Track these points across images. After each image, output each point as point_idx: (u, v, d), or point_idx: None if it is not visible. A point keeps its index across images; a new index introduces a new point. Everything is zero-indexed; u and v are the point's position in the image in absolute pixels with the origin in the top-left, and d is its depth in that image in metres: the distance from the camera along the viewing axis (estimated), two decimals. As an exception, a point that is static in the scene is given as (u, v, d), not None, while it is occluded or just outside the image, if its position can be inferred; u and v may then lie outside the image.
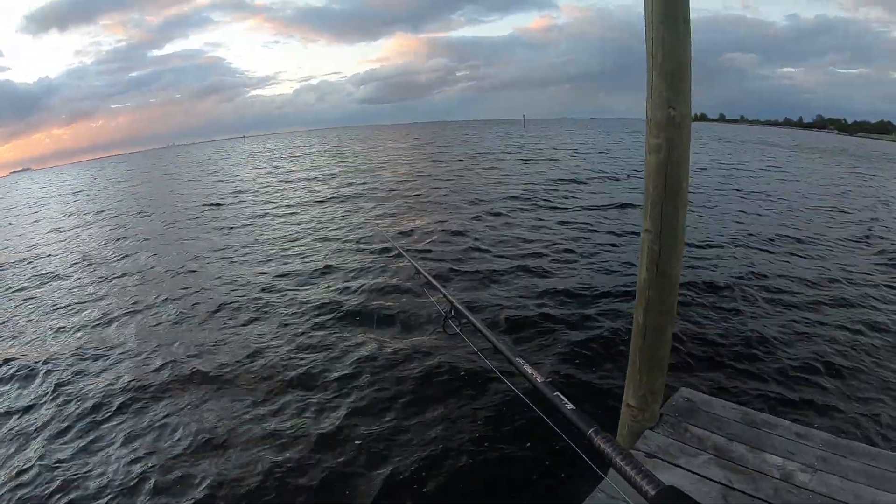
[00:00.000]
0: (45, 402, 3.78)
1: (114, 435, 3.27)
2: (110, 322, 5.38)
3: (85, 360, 4.45)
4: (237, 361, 4.09)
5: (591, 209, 9.81)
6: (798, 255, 6.69)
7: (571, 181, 13.81)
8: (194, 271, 7.15)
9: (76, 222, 13.96)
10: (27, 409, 3.72)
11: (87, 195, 23.22)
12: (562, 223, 8.65)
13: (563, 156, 22.38)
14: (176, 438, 3.16)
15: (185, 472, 2.82)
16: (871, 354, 3.86)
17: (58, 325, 5.44)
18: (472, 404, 3.32)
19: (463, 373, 3.66)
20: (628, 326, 2.18)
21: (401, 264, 6.31)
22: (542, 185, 13.20)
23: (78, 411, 3.59)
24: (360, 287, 5.71)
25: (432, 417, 3.21)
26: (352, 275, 6.30)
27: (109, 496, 2.70)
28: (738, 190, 12.62)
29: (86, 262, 8.48)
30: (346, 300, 5.35)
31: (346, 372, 3.81)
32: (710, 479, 1.88)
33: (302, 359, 4.07)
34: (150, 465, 2.91)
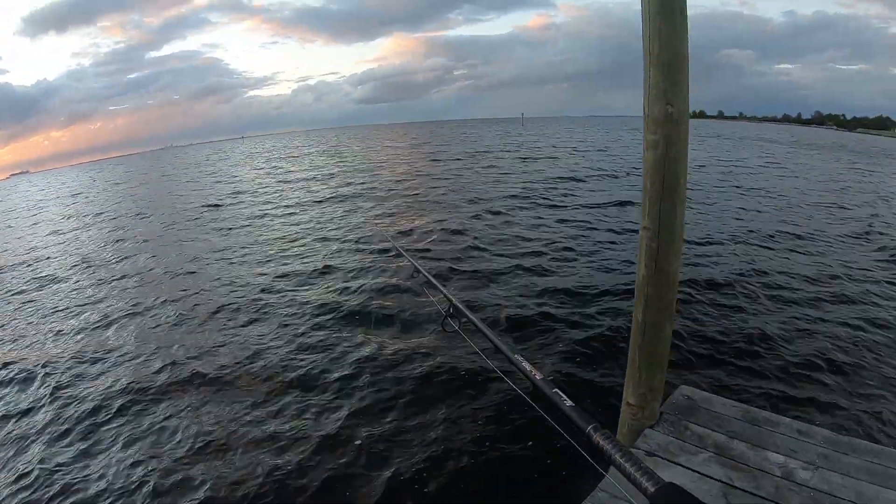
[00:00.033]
0: (44, 406, 3.76)
1: (114, 438, 3.26)
2: (109, 324, 5.37)
3: (84, 362, 4.44)
4: (237, 363, 4.08)
5: (591, 207, 9.80)
6: (798, 252, 6.68)
7: (570, 179, 13.79)
8: (193, 273, 7.14)
9: (75, 224, 13.95)
10: (26, 413, 3.71)
11: (86, 197, 23.21)
12: (561, 221, 8.64)
13: (561, 154, 22.35)
14: (176, 441, 3.15)
15: (186, 475, 2.81)
16: (873, 351, 3.85)
17: (57, 328, 5.43)
18: (473, 404, 3.31)
19: (463, 372, 3.65)
20: (629, 324, 2.18)
21: (400, 264, 6.30)
22: (541, 183, 13.18)
23: (77, 414, 3.58)
24: (359, 287, 5.70)
25: (433, 417, 3.20)
26: (351, 275, 6.29)
27: (110, 500, 2.69)
28: (737, 186, 12.61)
29: (85, 265, 8.47)
30: (346, 300, 5.34)
31: (347, 372, 3.81)
32: (711, 478, 1.87)
33: (302, 360, 4.07)
34: (150, 468, 2.90)
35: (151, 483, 2.76)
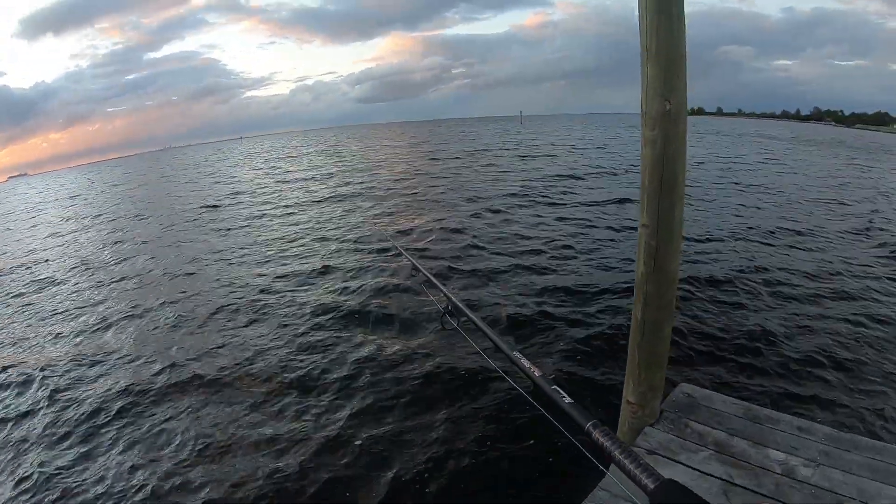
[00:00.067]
0: (43, 409, 3.75)
1: (113, 441, 3.26)
2: (108, 326, 5.36)
3: (83, 365, 4.43)
4: (236, 364, 4.07)
5: (590, 205, 9.79)
6: (798, 248, 6.68)
7: (569, 177, 13.78)
8: (192, 274, 7.13)
9: (74, 226, 13.93)
10: (25, 416, 3.71)
11: (85, 199, 23.17)
12: (560, 219, 8.63)
13: (560, 151, 22.32)
14: (175, 443, 3.14)
15: (185, 478, 2.81)
16: (875, 347, 3.85)
17: (56, 331, 5.42)
18: (473, 404, 3.30)
19: (463, 372, 3.65)
20: (628, 322, 2.17)
21: (399, 263, 6.29)
22: (540, 181, 13.16)
23: (77, 417, 3.57)
24: (359, 287, 5.69)
25: (433, 417, 3.19)
26: (350, 274, 6.27)
27: (109, 503, 2.68)
28: (736, 183, 12.59)
29: (84, 267, 8.45)
30: (345, 300, 5.33)
31: (347, 373, 3.80)
32: (711, 475, 1.87)
33: (302, 360, 4.06)
34: (149, 470, 2.90)
35: (151, 486, 2.75)
